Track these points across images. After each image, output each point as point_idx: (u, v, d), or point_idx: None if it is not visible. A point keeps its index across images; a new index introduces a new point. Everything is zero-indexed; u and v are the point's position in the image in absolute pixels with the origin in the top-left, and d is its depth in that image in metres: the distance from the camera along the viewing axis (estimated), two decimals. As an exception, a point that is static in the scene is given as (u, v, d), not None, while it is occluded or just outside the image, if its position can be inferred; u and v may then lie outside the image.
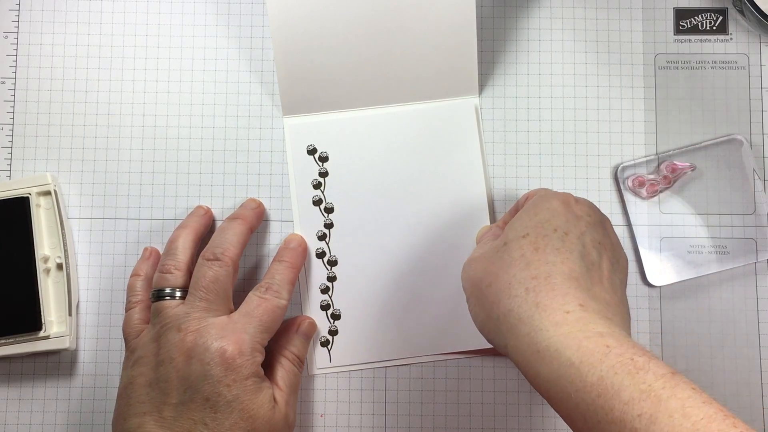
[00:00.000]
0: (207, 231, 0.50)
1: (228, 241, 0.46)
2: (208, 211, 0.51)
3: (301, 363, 0.48)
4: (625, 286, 0.42)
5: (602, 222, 0.42)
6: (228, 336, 0.43)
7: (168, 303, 0.45)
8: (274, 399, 0.44)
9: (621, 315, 0.38)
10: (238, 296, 0.47)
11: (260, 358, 0.44)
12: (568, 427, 0.49)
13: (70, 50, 0.53)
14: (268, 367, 0.46)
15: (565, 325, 0.35)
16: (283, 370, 0.46)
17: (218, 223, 0.51)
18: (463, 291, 0.42)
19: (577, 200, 0.42)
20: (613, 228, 0.43)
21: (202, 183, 0.52)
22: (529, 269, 0.38)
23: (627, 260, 0.43)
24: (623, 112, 0.52)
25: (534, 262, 0.38)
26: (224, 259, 0.45)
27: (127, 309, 0.47)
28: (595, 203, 0.43)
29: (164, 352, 0.43)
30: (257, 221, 0.50)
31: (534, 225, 0.40)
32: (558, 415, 0.49)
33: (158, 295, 0.45)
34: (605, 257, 0.40)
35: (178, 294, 0.45)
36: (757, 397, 0.50)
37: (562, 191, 0.43)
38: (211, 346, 0.42)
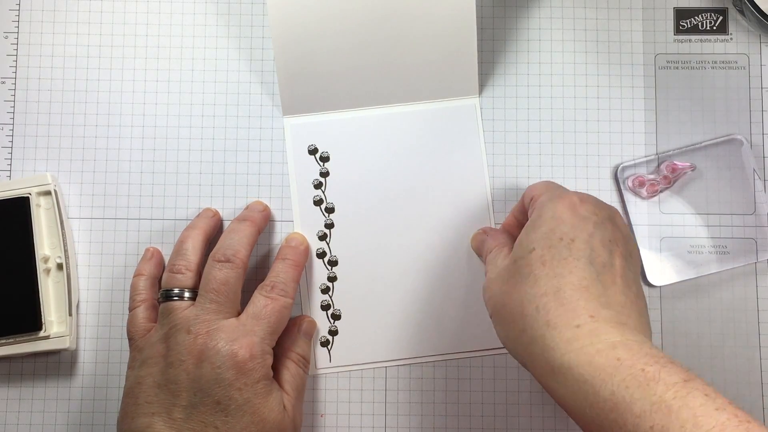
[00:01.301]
0: (215, 233, 0.50)
1: (239, 243, 0.46)
2: (216, 213, 0.50)
3: (307, 363, 0.48)
4: (640, 279, 0.41)
5: (611, 217, 0.41)
6: (239, 339, 0.43)
7: (178, 304, 0.44)
8: (283, 403, 0.44)
9: (637, 314, 0.38)
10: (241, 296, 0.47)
11: (270, 360, 0.44)
12: (567, 428, 0.49)
13: (70, 50, 0.52)
14: (273, 370, 0.45)
15: (576, 340, 0.35)
16: (289, 374, 0.46)
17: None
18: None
19: (582, 200, 0.41)
20: (623, 219, 0.43)
21: (202, 183, 0.52)
22: (538, 285, 0.38)
23: (639, 251, 0.43)
24: (623, 112, 0.52)
25: (542, 277, 0.38)
26: (235, 261, 0.45)
27: (131, 308, 0.47)
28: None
29: (174, 354, 0.43)
30: (264, 224, 0.50)
31: (539, 237, 0.40)
32: (558, 416, 0.49)
33: (167, 295, 0.45)
34: (617, 254, 0.40)
35: (187, 295, 0.45)
36: (758, 397, 0.50)
37: (564, 191, 0.43)
38: (222, 350, 0.42)
